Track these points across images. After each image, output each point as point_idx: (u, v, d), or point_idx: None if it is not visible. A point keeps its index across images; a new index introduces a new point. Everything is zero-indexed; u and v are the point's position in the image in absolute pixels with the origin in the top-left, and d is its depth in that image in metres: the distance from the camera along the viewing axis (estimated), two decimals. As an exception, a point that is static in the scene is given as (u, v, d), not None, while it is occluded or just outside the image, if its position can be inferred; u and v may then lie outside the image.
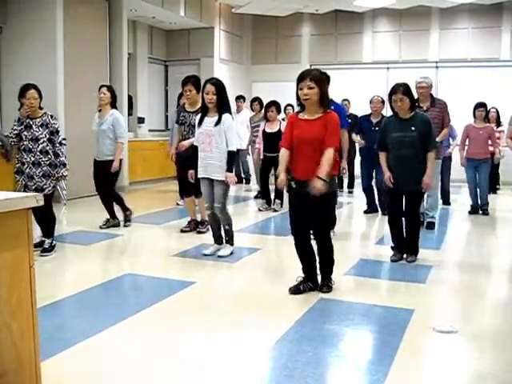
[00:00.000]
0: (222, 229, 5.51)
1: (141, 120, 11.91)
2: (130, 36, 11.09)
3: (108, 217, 6.83)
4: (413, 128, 5.02)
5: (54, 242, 5.56)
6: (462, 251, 6.30)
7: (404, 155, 5.07)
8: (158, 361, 3.12)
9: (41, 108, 5.48)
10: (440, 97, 7.18)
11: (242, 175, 11.43)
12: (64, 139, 8.36)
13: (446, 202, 9.06)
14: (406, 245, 5.39)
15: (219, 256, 5.38)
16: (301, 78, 4.04)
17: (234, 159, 5.34)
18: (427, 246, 5.89)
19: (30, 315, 2.06)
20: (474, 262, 5.60)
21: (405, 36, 12.75)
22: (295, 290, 4.27)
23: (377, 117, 7.77)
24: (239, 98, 11.14)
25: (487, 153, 8.14)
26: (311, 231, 4.37)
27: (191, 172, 5.65)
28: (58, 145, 5.41)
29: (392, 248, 5.49)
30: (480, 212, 8.11)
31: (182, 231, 6.54)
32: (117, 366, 3.05)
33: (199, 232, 6.49)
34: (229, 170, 5.24)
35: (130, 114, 10.90)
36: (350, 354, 3.34)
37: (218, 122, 5.16)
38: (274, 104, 8.14)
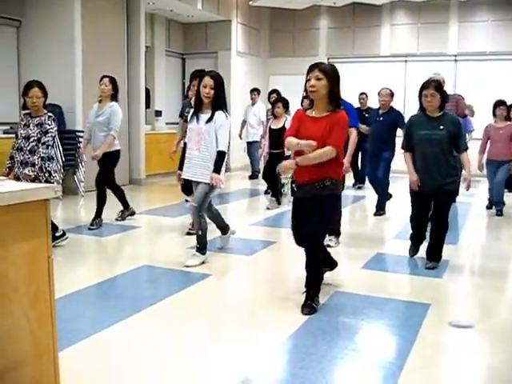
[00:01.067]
0: (196, 234, 5.05)
1: (158, 113, 11.94)
2: (147, 29, 11.12)
3: (122, 208, 6.80)
4: (441, 127, 4.77)
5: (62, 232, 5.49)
6: (479, 246, 6.23)
7: (431, 154, 4.80)
8: (171, 355, 3.14)
9: (45, 106, 5.29)
10: (458, 91, 7.09)
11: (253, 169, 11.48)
12: (80, 131, 8.55)
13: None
14: (428, 251, 5.08)
15: (186, 266, 4.83)
16: (310, 69, 3.76)
17: (222, 160, 4.84)
18: (446, 241, 5.86)
19: (49, 305, 2.08)
20: (492, 258, 5.55)
21: (423, 29, 12.61)
22: (310, 311, 3.79)
23: (385, 109, 7.46)
24: (254, 90, 11.14)
25: (509, 154, 7.63)
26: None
27: (178, 173, 5.31)
28: (41, 145, 5.06)
29: (410, 239, 5.36)
30: (493, 211, 7.85)
31: (189, 234, 6.00)
32: (128, 359, 3.07)
33: (188, 233, 6.01)
34: (216, 170, 4.77)
35: (147, 107, 10.93)
36: (365, 347, 3.33)
37: (209, 119, 4.75)
38: (281, 100, 8.02)
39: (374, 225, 7.33)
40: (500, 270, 5.14)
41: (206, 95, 4.73)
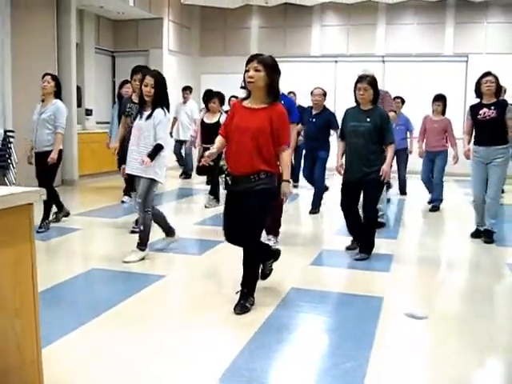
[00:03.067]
0: (138, 231, 5.15)
1: (89, 112, 11.63)
2: (77, 26, 10.79)
3: (55, 210, 6.57)
4: (368, 119, 5.02)
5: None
6: (419, 240, 6.50)
7: (356, 144, 5.06)
8: (138, 358, 3.11)
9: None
10: (386, 90, 7.10)
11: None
12: (11, 131, 8.22)
13: (403, 192, 9.26)
14: (359, 240, 5.34)
15: (124, 261, 4.90)
16: (249, 60, 3.71)
17: (158, 150, 4.91)
18: (386, 236, 6.10)
19: (33, 313, 2.02)
20: (431, 250, 5.82)
21: (353, 30, 12.97)
22: (241, 310, 3.76)
23: (317, 109, 7.53)
24: (186, 88, 11.12)
25: (441, 145, 7.98)
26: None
27: (123, 167, 5.29)
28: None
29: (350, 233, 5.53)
30: (429, 207, 8.05)
31: (133, 232, 5.97)
32: (96, 364, 3.02)
33: (132, 232, 5.99)
34: (150, 156, 4.88)
35: (78, 106, 10.64)
36: (330, 341, 3.43)
37: (149, 116, 4.91)
38: (217, 95, 7.96)
39: (313, 222, 7.46)
40: (441, 260, 5.42)
41: (147, 94, 4.89)
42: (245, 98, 3.83)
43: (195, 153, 10.34)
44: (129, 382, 2.81)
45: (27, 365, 2.02)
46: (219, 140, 3.91)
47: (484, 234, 5.92)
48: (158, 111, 4.92)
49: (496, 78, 5.75)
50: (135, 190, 5.20)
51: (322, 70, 12.97)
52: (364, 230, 5.25)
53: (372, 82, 5.04)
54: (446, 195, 8.29)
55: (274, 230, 5.66)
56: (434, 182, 8.05)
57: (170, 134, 10.92)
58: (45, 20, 9.26)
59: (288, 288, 4.31)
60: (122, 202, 8.15)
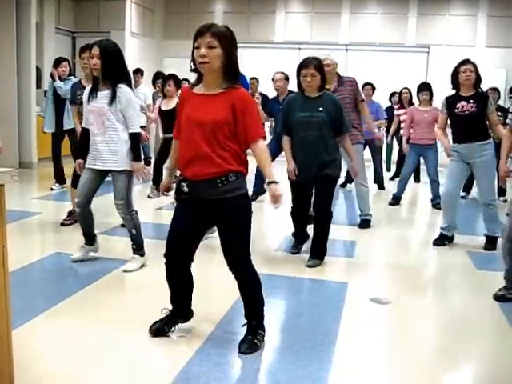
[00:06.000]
0: (129, 234, 4.45)
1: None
2: (36, 5, 10.47)
3: None
4: (321, 108, 4.44)
5: None
6: (384, 228, 6.57)
7: (310, 138, 4.45)
8: (108, 343, 3.08)
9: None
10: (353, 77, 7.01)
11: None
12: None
13: (380, 186, 8.88)
14: (312, 245, 4.78)
15: (125, 271, 4.31)
16: (199, 34, 2.79)
17: (137, 142, 4.25)
18: (351, 223, 6.18)
19: (3, 298, 1.96)
20: (396, 238, 5.91)
21: (317, 17, 13.01)
22: (157, 331, 3.16)
23: (282, 95, 6.99)
24: (137, 71, 10.52)
25: (431, 138, 7.29)
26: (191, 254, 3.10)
27: (79, 161, 4.48)
28: None
29: (293, 235, 5.12)
30: (432, 205, 7.51)
31: (63, 224, 5.67)
32: (65, 350, 2.98)
33: (62, 224, 5.68)
34: (135, 158, 4.22)
35: (37, 87, 10.36)
36: (297, 326, 3.45)
37: (112, 97, 4.09)
38: (172, 77, 7.39)
39: (272, 210, 7.39)
40: (405, 248, 5.51)
41: (93, 66, 4.08)
42: (195, 84, 2.97)
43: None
44: (91, 367, 2.78)
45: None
46: (175, 147, 3.11)
47: (487, 241, 5.32)
48: (123, 89, 4.11)
49: (475, 66, 5.10)
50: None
51: (286, 56, 12.92)
52: (319, 232, 4.69)
53: (319, 66, 4.45)
54: (420, 188, 8.29)
55: None
56: (430, 178, 7.54)
57: None
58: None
59: (254, 273, 4.32)
60: (52, 189, 7.76)
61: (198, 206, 2.89)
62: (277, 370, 2.82)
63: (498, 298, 3.94)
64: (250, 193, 3.48)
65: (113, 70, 4.07)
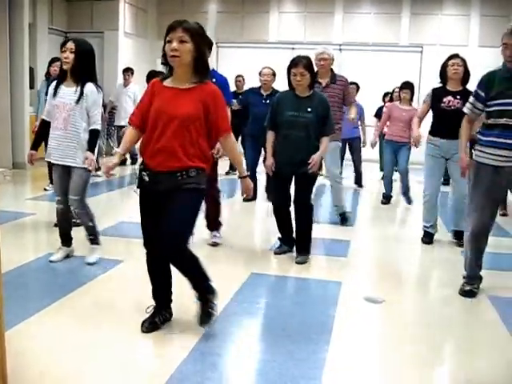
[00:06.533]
0: (84, 227, 4.54)
1: (41, 94, 11.32)
2: (29, 5, 10.44)
3: None
4: (309, 109, 4.47)
5: None
6: (375, 228, 6.59)
7: (294, 137, 4.49)
8: (99, 345, 3.08)
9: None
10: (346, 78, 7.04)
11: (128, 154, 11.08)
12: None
13: (359, 184, 9.03)
14: (296, 242, 4.80)
15: (88, 263, 4.42)
16: (171, 28, 2.94)
17: (96, 138, 4.34)
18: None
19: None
20: (387, 237, 5.93)
21: (310, 17, 13.02)
22: (149, 326, 3.19)
23: (267, 90, 7.24)
24: (127, 70, 10.56)
25: (406, 136, 7.30)
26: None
27: (32, 152, 4.54)
28: None
29: (279, 239, 5.00)
30: (404, 200, 7.62)
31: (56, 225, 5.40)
32: (57, 349, 2.98)
33: (56, 225, 5.37)
34: (90, 149, 4.27)
35: (31, 87, 10.33)
36: (291, 325, 3.45)
37: (80, 95, 4.16)
38: (159, 74, 7.39)
39: (265, 210, 7.28)
40: (398, 246, 5.53)
41: (65, 60, 4.14)
42: (165, 77, 3.08)
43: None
44: (86, 366, 2.78)
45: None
46: (130, 133, 3.16)
47: (457, 236, 5.31)
48: (90, 88, 4.21)
49: (464, 61, 5.12)
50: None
51: (279, 56, 12.86)
52: (301, 225, 4.72)
53: (308, 65, 4.45)
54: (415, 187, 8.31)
55: (216, 225, 5.16)
56: (401, 172, 7.58)
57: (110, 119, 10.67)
58: (-4, -2, 8.94)
59: (248, 273, 4.33)
60: (45, 189, 7.64)
61: (157, 195, 3.02)
62: (271, 369, 2.83)
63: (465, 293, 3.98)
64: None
65: (83, 68, 4.18)
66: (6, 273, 4.03)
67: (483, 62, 11.39)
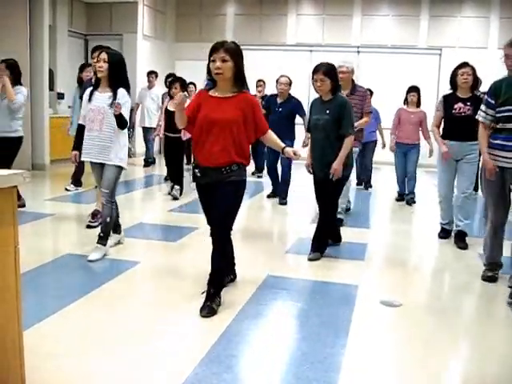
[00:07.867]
0: (102, 220, 4.86)
1: (60, 95, 11.43)
2: (49, 8, 10.57)
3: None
4: (327, 111, 4.67)
5: None
6: (392, 230, 6.58)
7: (318, 139, 4.78)
8: (117, 343, 3.10)
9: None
10: (361, 81, 7.15)
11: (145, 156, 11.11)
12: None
13: (367, 185, 9.11)
14: (313, 239, 4.97)
15: (89, 260, 4.56)
16: (214, 49, 3.48)
17: (124, 122, 4.64)
18: (360, 225, 6.16)
19: (15, 299, 1.98)
20: (404, 240, 5.90)
21: (328, 20, 13.01)
22: (209, 311, 3.52)
23: (283, 98, 7.46)
24: (151, 73, 10.84)
25: (416, 138, 7.77)
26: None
27: (75, 153, 4.94)
28: None
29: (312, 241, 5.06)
30: (405, 201, 7.95)
31: (89, 227, 5.67)
32: (75, 347, 3.00)
33: (89, 226, 5.68)
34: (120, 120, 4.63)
35: (51, 89, 10.45)
36: (307, 328, 3.45)
37: (113, 100, 4.55)
38: (179, 80, 7.67)
39: (284, 211, 7.33)
40: (415, 249, 5.50)
41: (100, 69, 4.56)
42: (210, 89, 3.65)
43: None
44: (113, 366, 2.80)
45: (8, 351, 1.99)
46: (182, 115, 3.60)
47: (457, 238, 5.53)
48: (123, 92, 4.62)
49: (473, 69, 5.34)
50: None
51: (297, 59, 12.99)
52: (319, 223, 4.94)
53: (328, 71, 4.64)
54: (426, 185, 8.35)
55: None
56: (408, 175, 7.90)
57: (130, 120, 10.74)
58: (17, 2, 9.05)
59: (265, 275, 4.34)
60: (66, 189, 7.76)
61: (208, 187, 3.63)
62: (287, 372, 2.83)
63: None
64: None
65: (116, 76, 4.60)
66: (24, 273, 4.11)
67: (503, 64, 11.35)
